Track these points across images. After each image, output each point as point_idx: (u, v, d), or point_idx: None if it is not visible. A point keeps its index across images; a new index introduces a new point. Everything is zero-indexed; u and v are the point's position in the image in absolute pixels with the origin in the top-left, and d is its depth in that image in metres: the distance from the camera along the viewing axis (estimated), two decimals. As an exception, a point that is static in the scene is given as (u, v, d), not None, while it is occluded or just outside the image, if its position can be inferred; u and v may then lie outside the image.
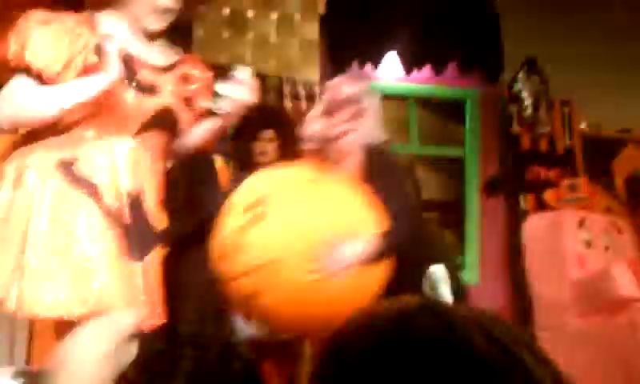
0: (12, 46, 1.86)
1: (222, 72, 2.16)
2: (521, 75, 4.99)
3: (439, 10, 4.68)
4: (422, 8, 4.60)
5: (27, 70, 1.86)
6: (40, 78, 1.87)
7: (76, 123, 1.91)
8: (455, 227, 4.90)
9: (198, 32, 4.24)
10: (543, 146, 4.83)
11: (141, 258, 1.89)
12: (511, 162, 4.77)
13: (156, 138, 2.02)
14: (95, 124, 1.92)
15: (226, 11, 4.34)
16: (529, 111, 4.88)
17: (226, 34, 4.30)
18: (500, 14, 5.05)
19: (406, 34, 4.62)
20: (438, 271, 2.52)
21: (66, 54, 1.87)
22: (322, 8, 4.50)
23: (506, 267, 4.59)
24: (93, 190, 1.85)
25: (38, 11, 1.90)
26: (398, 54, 4.66)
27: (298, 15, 4.45)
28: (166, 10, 2.00)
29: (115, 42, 1.89)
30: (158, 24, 2.02)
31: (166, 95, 2.04)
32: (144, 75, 1.98)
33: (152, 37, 2.06)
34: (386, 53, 4.64)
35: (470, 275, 4.48)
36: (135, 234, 1.89)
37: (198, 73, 2.17)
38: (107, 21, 1.99)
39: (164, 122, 2.04)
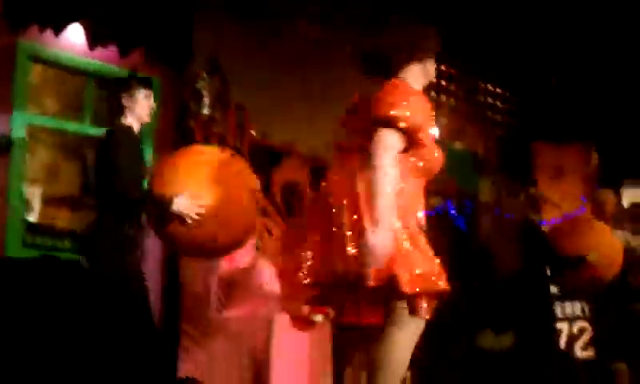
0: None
1: None
2: (203, 74, 5.15)
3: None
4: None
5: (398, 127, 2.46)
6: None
7: None
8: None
9: None
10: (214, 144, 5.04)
11: None
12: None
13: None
14: None
15: None
16: (205, 110, 5.06)
17: None
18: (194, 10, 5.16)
19: (95, 7, 4.47)
20: None
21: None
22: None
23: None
24: None
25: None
26: (84, 27, 4.48)
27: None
28: None
29: None
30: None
31: None
32: None
33: None
34: (70, 22, 4.42)
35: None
36: None
37: None
38: None
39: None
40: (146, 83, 3.53)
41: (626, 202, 6.47)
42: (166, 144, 4.92)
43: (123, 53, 4.67)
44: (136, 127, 3.48)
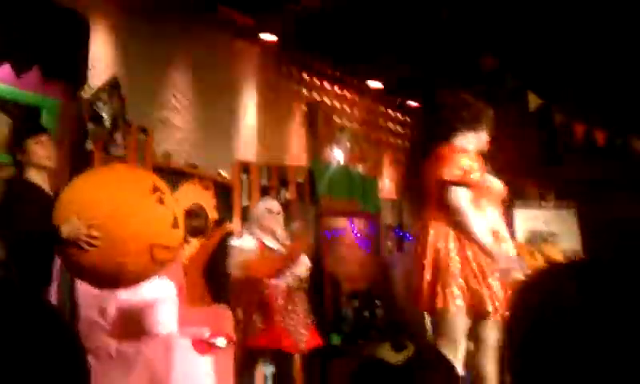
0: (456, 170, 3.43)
1: None
2: (102, 94, 5.04)
3: (26, 11, 4.50)
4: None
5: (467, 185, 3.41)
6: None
7: None
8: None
9: None
10: (114, 167, 4.94)
11: None
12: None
13: None
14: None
15: None
16: (105, 131, 4.94)
17: None
18: (90, 27, 5.07)
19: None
20: None
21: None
22: None
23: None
24: None
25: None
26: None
27: None
28: None
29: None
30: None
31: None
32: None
33: None
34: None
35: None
36: None
37: None
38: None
39: None
40: (38, 129, 3.40)
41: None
42: (64, 167, 4.78)
43: (18, 72, 4.52)
44: (38, 178, 3.35)
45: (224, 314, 4.28)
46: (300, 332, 4.46)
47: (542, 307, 0.87)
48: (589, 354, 0.80)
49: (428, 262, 3.44)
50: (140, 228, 3.04)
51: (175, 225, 3.19)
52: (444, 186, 3.44)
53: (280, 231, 4.65)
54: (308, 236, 5.37)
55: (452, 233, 3.42)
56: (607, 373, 0.79)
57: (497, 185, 3.66)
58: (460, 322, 3.39)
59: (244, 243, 4.52)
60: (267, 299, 4.40)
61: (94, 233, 2.98)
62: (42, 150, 3.33)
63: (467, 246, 3.42)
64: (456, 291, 3.36)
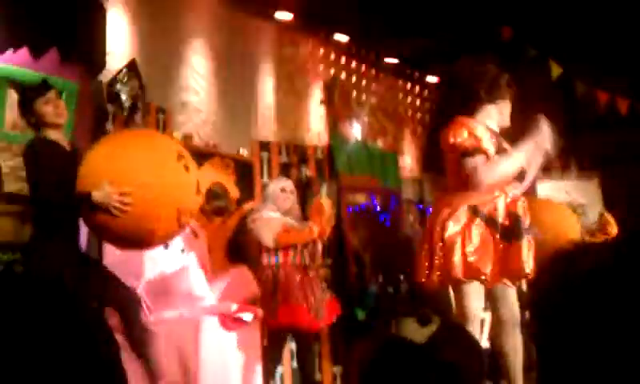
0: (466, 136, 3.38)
1: None
2: (121, 76, 5.05)
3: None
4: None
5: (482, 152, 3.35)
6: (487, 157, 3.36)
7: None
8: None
9: None
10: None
11: None
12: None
13: None
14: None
15: None
16: (125, 113, 4.96)
17: None
18: (108, 10, 5.08)
19: (6, 11, 4.32)
20: None
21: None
22: None
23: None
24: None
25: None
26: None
27: None
28: None
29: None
30: None
31: None
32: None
33: None
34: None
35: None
36: None
37: None
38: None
39: None
40: (43, 87, 3.43)
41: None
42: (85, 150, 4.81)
43: (36, 55, 4.53)
44: (55, 136, 3.40)
45: (247, 278, 4.29)
46: (318, 308, 4.46)
47: (576, 282, 0.85)
48: (619, 334, 0.78)
49: (435, 237, 3.40)
50: (169, 194, 3.15)
51: (198, 191, 3.34)
52: (455, 152, 3.39)
53: (295, 210, 4.66)
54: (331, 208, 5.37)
55: (464, 207, 3.38)
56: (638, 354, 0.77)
57: None
58: (471, 296, 3.36)
59: (271, 213, 4.55)
60: (283, 277, 4.41)
61: (127, 199, 3.04)
62: (51, 109, 3.37)
63: (478, 223, 3.37)
64: (460, 264, 3.32)
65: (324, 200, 4.79)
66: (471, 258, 3.30)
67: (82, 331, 0.84)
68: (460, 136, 3.37)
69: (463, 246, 3.32)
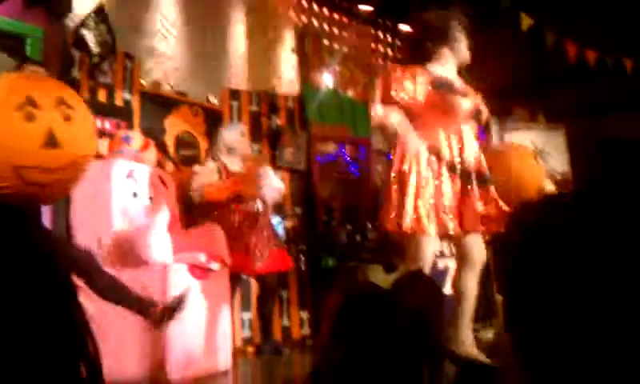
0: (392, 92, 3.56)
1: None
2: (88, 21, 4.94)
3: None
4: None
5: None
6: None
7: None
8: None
9: None
10: (102, 96, 4.89)
11: None
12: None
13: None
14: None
15: None
16: (95, 60, 4.87)
17: None
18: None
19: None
20: None
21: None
22: None
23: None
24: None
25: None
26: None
27: None
28: None
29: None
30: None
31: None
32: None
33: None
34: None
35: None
36: None
37: None
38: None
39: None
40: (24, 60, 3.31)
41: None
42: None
43: (-1, 0, 4.41)
44: None
45: (216, 233, 4.31)
46: (261, 254, 4.53)
47: (538, 233, 0.88)
48: (580, 284, 0.81)
49: (395, 184, 3.49)
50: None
51: (51, 142, 2.88)
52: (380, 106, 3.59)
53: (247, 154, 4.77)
54: (264, 157, 5.45)
55: (424, 155, 3.46)
56: (598, 303, 0.80)
57: (464, 104, 3.66)
58: (426, 244, 3.44)
59: (203, 168, 4.59)
60: (229, 223, 4.46)
61: None
62: None
63: (436, 168, 3.46)
64: (419, 213, 3.40)
65: (249, 159, 4.87)
66: (423, 212, 3.39)
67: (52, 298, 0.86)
68: (383, 92, 3.57)
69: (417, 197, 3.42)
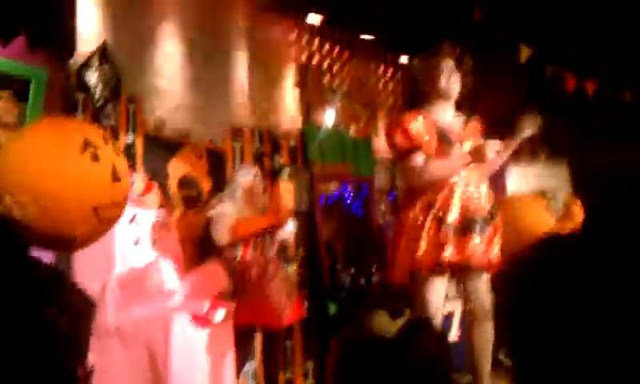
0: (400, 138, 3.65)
1: None
2: (91, 61, 4.95)
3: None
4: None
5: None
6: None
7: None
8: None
9: None
10: (106, 139, 4.88)
11: None
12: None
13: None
14: None
15: None
16: (97, 101, 4.87)
17: None
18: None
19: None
20: None
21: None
22: None
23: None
24: None
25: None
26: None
27: None
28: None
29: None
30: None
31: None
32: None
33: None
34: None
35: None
36: None
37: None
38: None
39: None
40: None
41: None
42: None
43: (3, 42, 4.43)
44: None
45: (218, 273, 4.27)
46: (285, 303, 4.42)
47: (543, 267, 0.89)
48: (585, 319, 0.82)
49: (402, 233, 3.51)
50: (77, 194, 2.85)
51: (115, 177, 2.99)
52: (398, 153, 3.64)
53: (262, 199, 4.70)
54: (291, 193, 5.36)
55: (420, 200, 3.48)
56: (603, 336, 0.81)
57: (464, 147, 3.69)
58: (430, 289, 3.45)
59: (226, 208, 4.48)
60: (241, 271, 4.36)
61: (30, 210, 2.78)
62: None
63: (436, 211, 3.48)
64: (414, 259, 3.42)
65: (284, 184, 4.77)
66: (421, 253, 3.41)
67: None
68: (395, 138, 3.53)
69: (418, 241, 3.43)
